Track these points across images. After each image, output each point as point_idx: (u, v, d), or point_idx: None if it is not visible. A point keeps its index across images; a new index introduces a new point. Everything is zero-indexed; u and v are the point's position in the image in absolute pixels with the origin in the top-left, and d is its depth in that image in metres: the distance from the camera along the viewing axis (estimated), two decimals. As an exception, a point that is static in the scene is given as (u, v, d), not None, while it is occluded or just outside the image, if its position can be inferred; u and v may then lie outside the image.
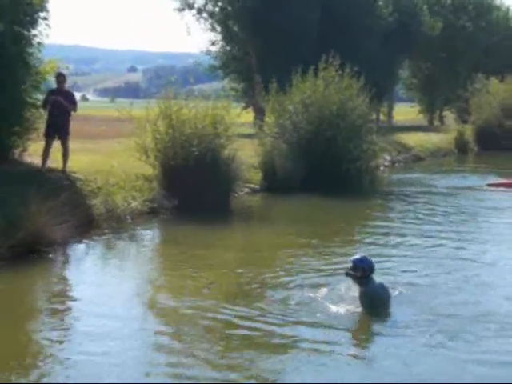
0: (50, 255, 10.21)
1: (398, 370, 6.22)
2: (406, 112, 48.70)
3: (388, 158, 26.17)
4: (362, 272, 7.51)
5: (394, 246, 11.36)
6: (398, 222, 14.01)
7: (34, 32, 14.14)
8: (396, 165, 26.28)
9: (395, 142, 28.74)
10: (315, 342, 6.82)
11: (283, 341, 6.91)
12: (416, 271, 9.51)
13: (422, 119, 46.41)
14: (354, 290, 7.73)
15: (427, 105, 46.14)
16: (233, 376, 6.08)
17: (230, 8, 31.56)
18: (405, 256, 10.52)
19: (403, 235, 12.26)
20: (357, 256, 7.74)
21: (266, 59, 30.05)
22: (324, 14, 30.56)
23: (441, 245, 11.38)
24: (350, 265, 7.64)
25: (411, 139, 30.64)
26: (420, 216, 14.64)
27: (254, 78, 30.97)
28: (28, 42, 14.03)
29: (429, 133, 34.59)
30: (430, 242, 11.53)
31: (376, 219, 14.53)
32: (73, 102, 13.69)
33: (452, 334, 6.99)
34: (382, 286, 7.69)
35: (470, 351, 6.61)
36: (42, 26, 14.21)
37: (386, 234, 12.43)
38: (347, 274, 7.64)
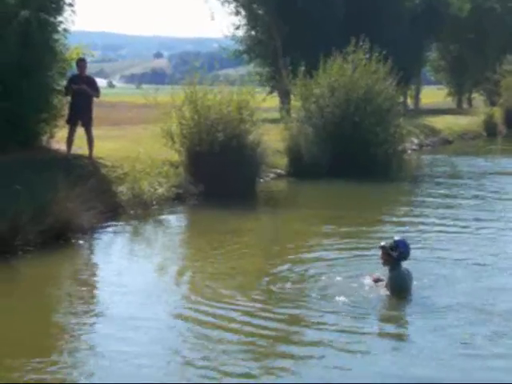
0: (78, 241, 10.29)
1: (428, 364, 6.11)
2: (433, 95, 48.11)
3: (416, 141, 25.91)
4: (398, 254, 7.48)
5: (423, 231, 11.23)
6: (427, 206, 13.86)
7: (59, 19, 14.20)
8: (424, 148, 26.01)
9: (423, 126, 28.44)
10: (343, 330, 6.77)
11: (313, 327, 6.90)
12: (448, 258, 9.32)
13: (450, 102, 45.85)
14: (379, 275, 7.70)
15: (455, 87, 45.56)
16: (258, 360, 6.08)
17: (254, -9, 31.33)
18: (435, 241, 10.36)
19: (432, 220, 12.15)
20: (400, 238, 7.73)
21: (291, 43, 29.83)
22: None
23: (473, 231, 11.16)
24: (390, 242, 7.58)
25: (439, 122, 30.30)
26: (449, 200, 14.49)
27: (279, 62, 30.78)
28: (54, 28, 14.09)
29: (457, 115, 34.20)
30: (462, 228, 11.32)
31: (404, 204, 14.43)
32: (95, 89, 13.72)
33: (490, 330, 6.69)
34: (408, 272, 7.65)
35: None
36: (67, 12, 14.29)
37: (414, 219, 12.32)
38: (383, 248, 7.59)
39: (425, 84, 48.11)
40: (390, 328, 6.98)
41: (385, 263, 7.64)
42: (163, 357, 6.18)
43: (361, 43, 18.19)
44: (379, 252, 7.71)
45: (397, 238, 7.73)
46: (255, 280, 8.31)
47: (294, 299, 7.54)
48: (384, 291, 7.55)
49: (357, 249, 9.85)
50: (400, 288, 7.51)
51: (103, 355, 6.22)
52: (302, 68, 18.28)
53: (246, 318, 7.03)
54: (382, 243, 7.68)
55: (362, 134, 17.45)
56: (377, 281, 7.72)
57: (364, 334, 6.64)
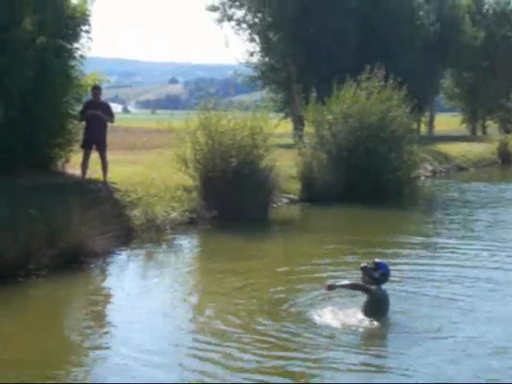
0: (91, 265, 10.31)
1: None
2: (447, 122, 48.15)
3: (429, 168, 25.88)
4: (380, 276, 7.53)
5: (432, 259, 11.18)
6: (438, 234, 13.82)
7: (76, 45, 14.38)
8: (437, 175, 25.96)
9: (436, 152, 28.42)
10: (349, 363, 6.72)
11: (314, 354, 6.85)
12: (453, 291, 9.10)
13: (464, 129, 45.82)
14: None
15: (470, 114, 45.57)
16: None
17: (269, 19, 31.67)
18: (442, 271, 10.20)
19: (442, 249, 12.06)
20: (381, 260, 7.79)
21: (305, 69, 30.05)
22: (364, 24, 30.48)
23: (480, 261, 10.92)
24: (371, 264, 7.63)
25: (453, 149, 30.26)
26: (461, 229, 14.41)
27: (293, 88, 30.96)
28: (70, 54, 14.27)
29: (471, 143, 34.15)
30: (470, 259, 11.10)
31: (415, 231, 14.36)
32: (110, 114, 13.85)
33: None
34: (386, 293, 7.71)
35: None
36: (84, 39, 14.47)
37: (425, 247, 12.26)
38: (364, 269, 7.61)
39: (439, 111, 48.20)
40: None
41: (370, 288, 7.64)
42: None
43: (375, 70, 18.27)
44: (360, 273, 7.71)
45: (377, 259, 7.78)
46: (267, 306, 8.25)
47: (302, 325, 7.47)
48: (361, 316, 7.49)
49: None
50: (384, 308, 7.55)
51: (117, 372, 6.19)
52: (314, 94, 18.34)
53: (257, 343, 6.99)
54: (363, 264, 7.72)
55: (375, 161, 17.47)
56: (330, 287, 7.63)
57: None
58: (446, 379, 6.15)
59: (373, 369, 6.47)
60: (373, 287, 7.53)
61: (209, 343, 7.02)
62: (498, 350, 6.82)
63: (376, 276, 7.55)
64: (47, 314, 8.42)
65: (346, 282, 7.79)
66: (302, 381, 6.26)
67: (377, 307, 7.52)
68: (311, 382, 6.27)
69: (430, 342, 7.07)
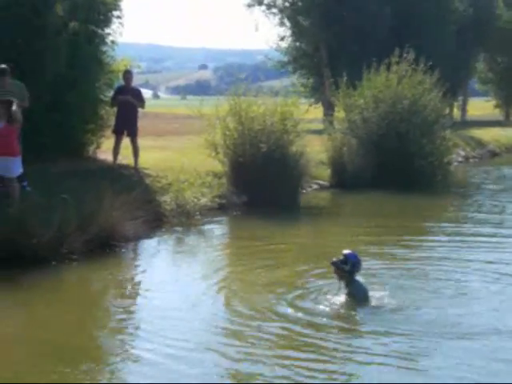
0: (123, 250, 10.41)
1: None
2: (481, 107, 47.46)
3: (462, 153, 25.58)
4: (351, 267, 7.47)
5: (467, 247, 11.04)
6: (471, 220, 13.65)
7: (107, 31, 14.47)
8: (470, 160, 25.64)
9: (469, 138, 28.06)
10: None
11: (336, 345, 6.84)
12: (486, 279, 8.94)
13: (497, 114, 45.14)
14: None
15: (503, 99, 44.85)
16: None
17: (299, 3, 31.47)
18: (476, 259, 10.09)
19: (476, 235, 11.91)
20: (349, 251, 7.66)
21: (336, 54, 29.82)
22: (396, 8, 30.13)
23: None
24: (341, 257, 7.54)
25: (486, 134, 29.85)
26: (495, 214, 14.21)
27: (324, 73, 30.77)
28: (102, 40, 14.36)
29: (505, 128, 33.63)
30: (504, 246, 10.97)
31: (448, 218, 14.21)
32: (140, 99, 13.90)
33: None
34: (365, 284, 7.73)
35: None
36: (115, 24, 14.55)
37: (458, 234, 12.12)
38: (334, 264, 7.55)
39: (472, 95, 47.50)
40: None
41: (340, 278, 7.61)
42: (202, 374, 6.10)
43: (404, 54, 18.05)
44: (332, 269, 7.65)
45: (345, 251, 7.64)
46: (297, 292, 8.24)
47: (333, 313, 7.47)
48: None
49: (399, 262, 9.72)
50: (365, 298, 7.52)
51: (142, 362, 6.23)
52: (344, 78, 18.15)
53: (285, 329, 7.00)
54: (334, 259, 7.61)
55: (406, 146, 17.29)
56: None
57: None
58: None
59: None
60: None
61: (234, 337, 6.91)
62: None
63: (347, 269, 7.47)
64: (80, 297, 8.52)
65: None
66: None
67: (359, 299, 7.53)
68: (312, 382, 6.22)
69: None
